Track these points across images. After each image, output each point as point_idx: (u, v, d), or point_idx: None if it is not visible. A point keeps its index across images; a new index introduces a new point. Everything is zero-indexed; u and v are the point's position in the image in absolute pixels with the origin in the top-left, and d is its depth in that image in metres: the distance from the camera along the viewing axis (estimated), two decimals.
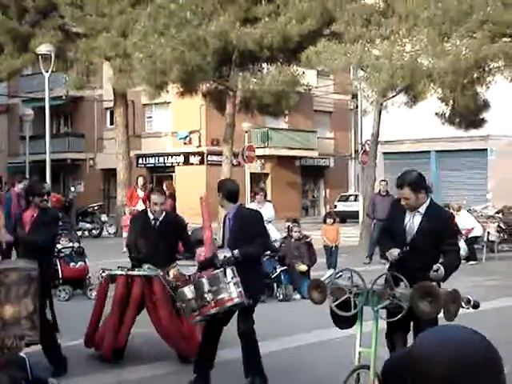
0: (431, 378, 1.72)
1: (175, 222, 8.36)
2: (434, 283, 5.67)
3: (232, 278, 6.58)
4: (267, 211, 14.67)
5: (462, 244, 19.19)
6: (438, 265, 5.76)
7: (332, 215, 16.51)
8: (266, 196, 15.75)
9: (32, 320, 6.39)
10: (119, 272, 7.95)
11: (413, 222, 6.01)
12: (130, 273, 7.86)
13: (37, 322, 6.46)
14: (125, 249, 19.28)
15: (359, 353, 5.67)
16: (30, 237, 7.29)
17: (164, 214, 8.14)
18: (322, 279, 6.08)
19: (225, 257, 6.64)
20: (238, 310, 6.78)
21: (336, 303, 5.70)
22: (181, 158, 37.08)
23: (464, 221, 18.71)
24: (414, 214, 6.01)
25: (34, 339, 6.47)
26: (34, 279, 6.51)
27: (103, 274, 8.02)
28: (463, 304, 5.48)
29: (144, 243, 7.97)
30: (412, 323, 5.85)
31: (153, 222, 8.01)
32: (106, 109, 38.21)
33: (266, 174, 38.42)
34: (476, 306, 5.51)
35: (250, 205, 15.45)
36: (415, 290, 5.41)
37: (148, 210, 8.19)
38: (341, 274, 6.02)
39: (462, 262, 18.71)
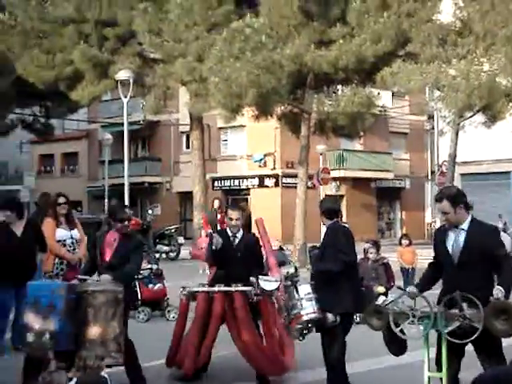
0: None
1: (253, 241, 8.31)
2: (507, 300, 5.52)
3: (306, 295, 6.63)
4: None
5: None
6: (497, 289, 5.55)
7: (408, 237, 16.31)
8: (341, 217, 15.68)
9: (118, 342, 6.53)
10: (200, 289, 7.95)
11: (458, 240, 5.87)
12: (210, 289, 7.84)
13: (122, 345, 6.58)
14: (201, 271, 19.47)
15: (428, 377, 5.58)
16: (114, 273, 7.24)
17: (242, 232, 8.14)
18: (379, 303, 5.98)
19: (287, 273, 6.71)
20: (322, 330, 6.76)
21: (401, 327, 5.62)
22: (256, 181, 37.25)
23: None
24: (458, 232, 5.88)
25: (118, 361, 6.60)
26: (121, 302, 6.64)
27: (184, 292, 7.99)
28: None
29: (223, 260, 7.99)
30: (473, 346, 5.68)
31: (232, 239, 8.03)
32: (182, 132, 38.75)
33: (342, 196, 38.21)
34: None
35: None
36: (490, 309, 5.30)
37: (227, 229, 8.19)
38: (396, 297, 5.92)
39: None
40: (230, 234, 8.05)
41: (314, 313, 6.60)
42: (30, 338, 6.47)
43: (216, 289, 7.77)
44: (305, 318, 6.59)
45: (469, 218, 5.92)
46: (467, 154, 30.30)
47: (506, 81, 19.90)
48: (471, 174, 33.35)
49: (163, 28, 23.79)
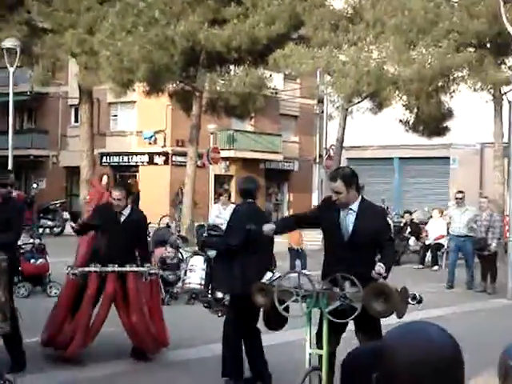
0: (398, 375, 1.75)
1: (141, 220, 8.20)
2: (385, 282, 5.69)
3: (192, 265, 6.70)
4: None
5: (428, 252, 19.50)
6: (378, 265, 5.70)
7: None
8: (230, 197, 15.76)
9: (3, 311, 6.33)
10: (92, 269, 7.71)
11: (346, 220, 5.96)
12: (103, 269, 7.65)
13: (7, 313, 6.39)
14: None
15: (310, 354, 5.69)
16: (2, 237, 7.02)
17: (130, 209, 8.04)
18: (266, 282, 6.06)
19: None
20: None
21: (284, 306, 5.71)
22: (145, 158, 36.88)
23: (439, 227, 19.06)
24: (347, 212, 5.96)
25: (5, 330, 6.41)
26: (5, 270, 6.43)
27: (73, 272, 7.73)
28: (410, 300, 5.55)
29: (108, 237, 7.88)
30: (354, 326, 5.85)
31: (118, 215, 7.90)
32: (71, 106, 37.86)
33: (231, 176, 38.39)
34: (420, 301, 5.63)
35: (214, 206, 15.43)
36: (368, 290, 5.42)
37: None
38: (284, 275, 6.01)
39: (426, 267, 18.91)
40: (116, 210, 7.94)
41: (200, 285, 6.61)
42: None
43: (110, 269, 7.63)
44: (187, 286, 6.62)
45: (359, 199, 6.00)
46: (354, 139, 31.00)
47: (394, 69, 20.43)
48: (357, 158, 34.13)
49: None
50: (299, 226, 6.81)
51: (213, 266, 10.35)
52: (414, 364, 1.73)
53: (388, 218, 20.91)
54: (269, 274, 6.12)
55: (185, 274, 11.27)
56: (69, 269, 7.82)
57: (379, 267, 5.67)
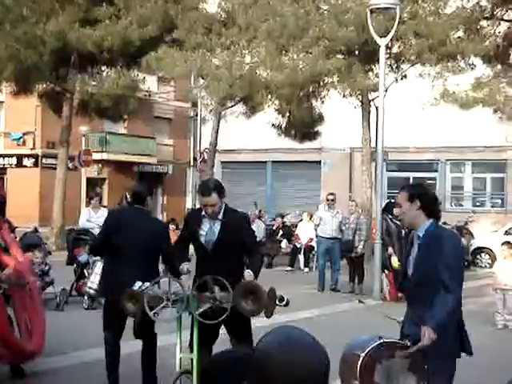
0: (272, 381, 1.75)
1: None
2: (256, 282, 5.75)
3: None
4: (102, 217, 14.40)
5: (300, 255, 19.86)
6: (247, 272, 5.82)
7: (175, 222, 16.61)
8: (101, 201, 15.50)
9: None
10: None
11: (213, 228, 6.08)
12: None
13: None
14: None
15: (180, 358, 5.69)
16: None
17: None
18: (135, 288, 6.02)
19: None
20: None
21: (155, 311, 5.68)
22: (13, 160, 35.68)
23: (309, 230, 19.42)
24: (214, 221, 6.08)
25: None
26: None
27: None
28: (277, 302, 5.62)
29: None
30: (226, 329, 5.95)
31: None
32: None
33: (104, 179, 37.75)
34: (287, 303, 5.68)
35: (84, 210, 15.10)
36: (238, 290, 5.48)
37: None
38: (155, 282, 5.98)
39: (297, 269, 19.19)
40: None
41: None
42: None
43: None
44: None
45: (223, 207, 6.09)
46: (228, 143, 31.20)
47: (266, 73, 20.70)
48: (231, 161, 34.36)
49: None
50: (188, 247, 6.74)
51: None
52: (289, 372, 1.74)
53: (261, 221, 21.25)
54: (139, 283, 6.04)
55: (88, 277, 11.68)
56: None
57: (247, 274, 5.80)
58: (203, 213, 6.10)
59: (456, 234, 5.71)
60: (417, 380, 4.71)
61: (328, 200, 15.50)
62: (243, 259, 6.18)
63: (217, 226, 6.05)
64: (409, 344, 4.72)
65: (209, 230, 6.06)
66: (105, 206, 16.59)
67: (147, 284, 5.90)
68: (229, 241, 5.98)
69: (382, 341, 4.66)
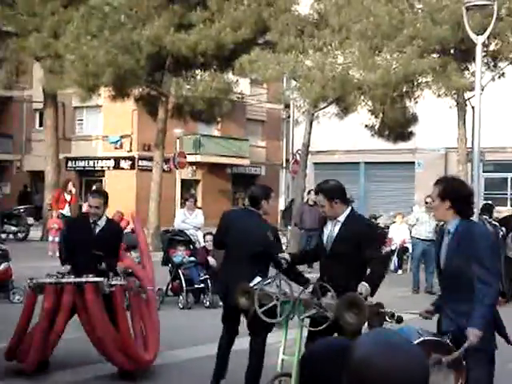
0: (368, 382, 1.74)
1: (117, 231, 8.02)
2: (361, 295, 5.63)
3: None
4: (197, 218, 14.68)
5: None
6: (362, 285, 5.69)
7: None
8: (196, 202, 15.74)
9: None
10: (48, 280, 7.40)
11: (333, 230, 6.06)
12: (59, 280, 7.34)
13: None
14: (50, 252, 18.96)
15: (282, 360, 5.70)
16: None
17: (106, 220, 7.83)
18: (251, 285, 6.07)
19: None
20: None
21: (262, 310, 5.72)
22: (111, 163, 36.66)
23: (402, 231, 19.19)
24: (335, 223, 6.06)
25: None
26: None
27: (30, 284, 7.44)
28: (387, 318, 5.47)
29: (81, 249, 7.63)
30: (336, 335, 5.82)
31: (92, 226, 7.68)
32: (36, 110, 37.50)
33: (197, 181, 38.32)
34: (399, 320, 5.46)
35: (179, 211, 15.36)
36: (341, 301, 5.43)
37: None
38: (270, 280, 6.03)
39: (392, 272, 18.97)
40: (90, 221, 7.71)
41: None
42: None
43: (65, 280, 7.32)
44: None
45: (347, 212, 6.06)
46: (320, 144, 31.13)
47: (359, 74, 20.55)
48: (323, 163, 34.28)
49: (17, 0, 22.88)
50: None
51: None
52: (389, 378, 1.72)
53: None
54: (257, 278, 6.13)
55: None
56: (28, 281, 7.55)
57: (362, 286, 5.67)
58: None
59: (487, 228, 5.79)
60: (456, 377, 4.67)
61: (427, 202, 15.25)
62: (364, 268, 6.00)
63: (337, 228, 6.04)
64: (448, 341, 4.75)
65: (329, 232, 6.08)
66: (200, 208, 16.82)
67: (258, 279, 5.98)
68: (345, 244, 5.91)
69: (422, 339, 4.63)
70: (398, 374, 1.72)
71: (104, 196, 7.90)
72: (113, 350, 7.28)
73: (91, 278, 7.22)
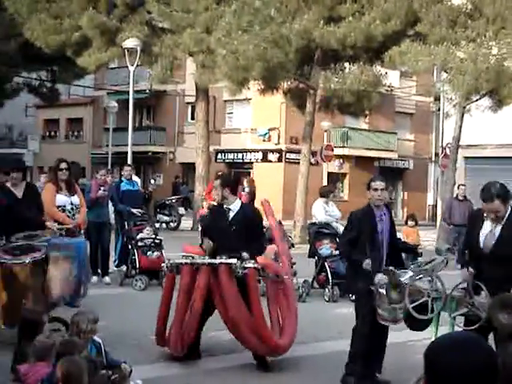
0: None
1: (251, 214, 8.06)
2: None
3: None
4: (335, 211, 14.44)
5: None
6: None
7: (414, 217, 16.39)
8: (334, 195, 15.58)
9: None
10: (183, 261, 7.67)
11: (494, 231, 5.80)
12: (194, 261, 7.56)
13: None
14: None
15: None
16: None
17: (239, 205, 7.96)
18: (402, 280, 5.99)
19: None
20: None
21: (413, 305, 5.66)
22: (259, 155, 37.26)
23: None
24: (496, 224, 5.81)
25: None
26: None
27: (168, 265, 7.71)
28: None
29: (217, 234, 7.82)
30: (493, 334, 5.60)
31: (226, 211, 7.85)
32: (188, 103, 38.69)
33: (344, 174, 38.25)
34: None
35: (318, 203, 15.01)
36: (495, 301, 5.28)
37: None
38: (421, 276, 5.95)
39: None
40: (224, 207, 7.89)
41: None
42: None
43: (199, 261, 7.51)
44: None
45: (508, 211, 5.84)
46: (472, 138, 30.18)
47: None
48: (475, 157, 33.19)
49: None
50: None
51: None
52: None
53: None
54: (409, 273, 6.08)
55: None
56: (166, 262, 7.87)
57: None
58: (485, 214, 5.89)
59: None
60: None
61: None
62: None
63: (498, 229, 5.80)
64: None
65: (489, 233, 5.82)
66: (345, 201, 16.76)
67: (410, 274, 5.91)
68: (508, 244, 5.69)
69: None
70: None
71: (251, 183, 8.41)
72: (246, 332, 7.31)
73: (224, 260, 7.32)
